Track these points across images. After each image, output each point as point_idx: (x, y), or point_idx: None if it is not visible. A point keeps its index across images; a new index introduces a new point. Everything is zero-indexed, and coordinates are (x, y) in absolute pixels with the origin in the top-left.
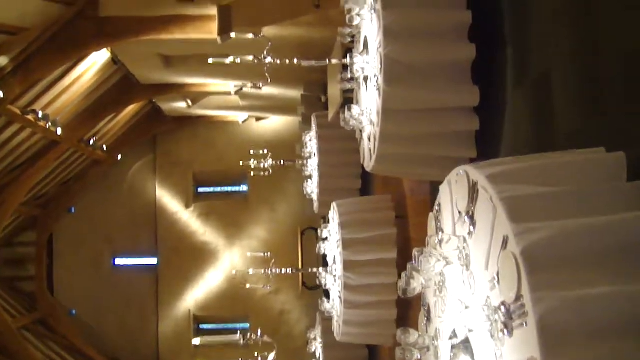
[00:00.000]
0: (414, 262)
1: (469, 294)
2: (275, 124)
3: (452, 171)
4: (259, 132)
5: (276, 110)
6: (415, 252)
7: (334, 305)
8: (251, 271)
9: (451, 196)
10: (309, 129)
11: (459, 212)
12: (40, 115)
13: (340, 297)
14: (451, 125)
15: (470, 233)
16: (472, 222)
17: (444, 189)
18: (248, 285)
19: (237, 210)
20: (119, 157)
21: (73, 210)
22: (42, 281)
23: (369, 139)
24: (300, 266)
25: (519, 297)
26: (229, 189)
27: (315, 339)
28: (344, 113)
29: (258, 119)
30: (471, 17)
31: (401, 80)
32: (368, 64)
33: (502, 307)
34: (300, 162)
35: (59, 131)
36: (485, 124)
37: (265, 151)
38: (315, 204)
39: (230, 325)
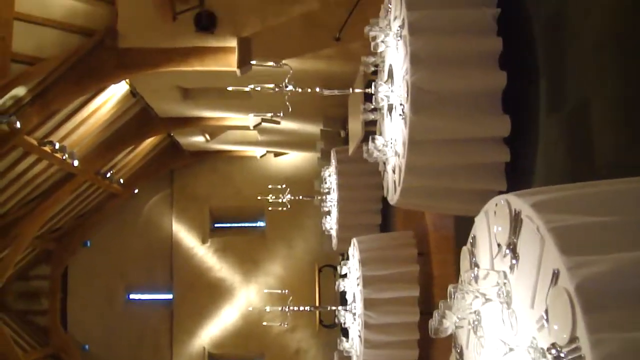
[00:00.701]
0: (448, 299)
1: (511, 335)
2: (293, 159)
3: (489, 201)
4: (277, 167)
5: (295, 146)
6: (450, 288)
7: (353, 345)
8: (268, 308)
9: (489, 228)
10: (328, 164)
11: (498, 245)
12: (57, 147)
13: (359, 336)
14: (480, 156)
15: (512, 267)
16: (515, 255)
17: (480, 220)
18: (265, 323)
19: (254, 246)
20: (136, 190)
21: (88, 244)
22: (56, 315)
23: (394, 171)
24: (317, 302)
25: (573, 338)
26: (246, 224)
27: None
28: (366, 145)
29: (276, 154)
30: (502, 44)
31: (429, 109)
32: (393, 93)
33: (553, 350)
34: (319, 197)
35: (76, 163)
36: (516, 156)
37: (284, 186)
38: (334, 241)
39: None
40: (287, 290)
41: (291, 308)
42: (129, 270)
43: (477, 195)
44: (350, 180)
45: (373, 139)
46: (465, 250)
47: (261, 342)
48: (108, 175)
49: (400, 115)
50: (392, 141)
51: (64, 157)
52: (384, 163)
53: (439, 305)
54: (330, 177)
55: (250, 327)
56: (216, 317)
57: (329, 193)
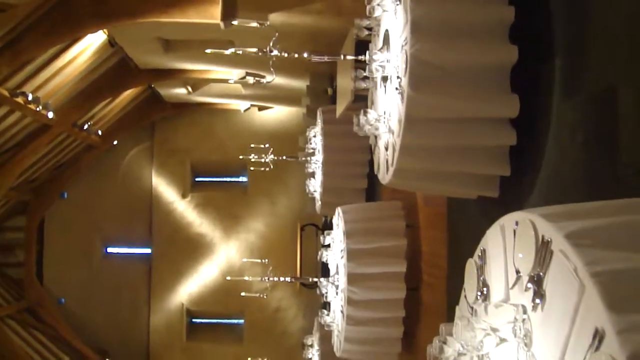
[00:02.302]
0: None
1: None
2: (278, 113)
3: (507, 216)
4: (261, 121)
5: (280, 100)
6: (457, 319)
7: (334, 319)
8: (247, 278)
9: (504, 247)
10: (314, 122)
11: (518, 272)
12: (30, 98)
13: (342, 312)
14: (484, 138)
15: (535, 306)
16: (540, 292)
17: (493, 235)
18: (243, 294)
19: (236, 202)
20: (115, 142)
21: (65, 196)
22: (31, 268)
23: (386, 148)
24: (298, 262)
25: None
26: (228, 179)
27: (312, 345)
28: (357, 117)
29: (260, 108)
30: (514, 13)
31: (429, 85)
32: (389, 63)
33: None
34: (303, 158)
35: (51, 115)
36: (523, 140)
37: (267, 145)
38: (318, 204)
39: (224, 321)
40: (267, 260)
41: (271, 279)
42: (107, 223)
43: (478, 179)
44: (336, 142)
45: (365, 113)
46: (471, 264)
47: (240, 300)
48: (86, 127)
49: (396, 89)
50: (385, 116)
51: (38, 109)
52: (376, 137)
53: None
54: (316, 137)
55: (230, 284)
56: (195, 274)
57: (313, 154)
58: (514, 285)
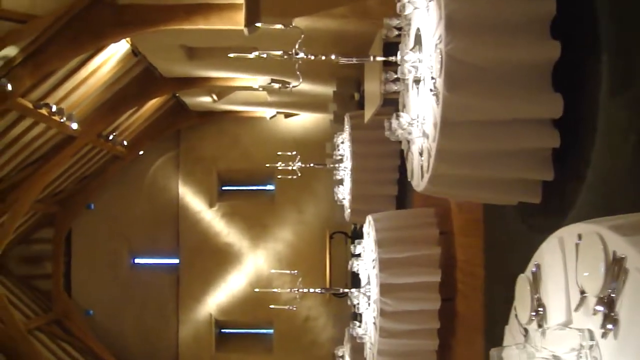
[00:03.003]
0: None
1: None
2: (304, 120)
3: (566, 227)
4: (288, 129)
5: (306, 107)
6: (508, 342)
7: (366, 331)
8: (277, 290)
9: (564, 262)
10: (341, 128)
11: (583, 293)
12: (54, 109)
13: (374, 324)
14: (525, 141)
15: (606, 332)
16: (612, 316)
17: (550, 248)
18: (272, 306)
19: (263, 211)
20: (141, 152)
21: (92, 207)
22: (59, 280)
23: (420, 154)
24: (328, 271)
25: None
26: (255, 188)
27: (343, 357)
28: (389, 121)
29: (287, 115)
30: (555, 6)
31: (466, 85)
32: (421, 63)
33: None
34: (331, 165)
35: (75, 126)
36: (567, 142)
37: (294, 153)
38: (347, 212)
39: (253, 331)
40: (296, 271)
41: (300, 290)
42: (134, 234)
43: (518, 185)
44: (365, 148)
45: (397, 116)
46: (523, 280)
47: (269, 310)
48: (111, 137)
49: (431, 90)
50: (419, 119)
51: (62, 120)
52: (408, 142)
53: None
54: (344, 143)
55: (258, 294)
56: (223, 283)
57: (341, 161)
58: (578, 307)
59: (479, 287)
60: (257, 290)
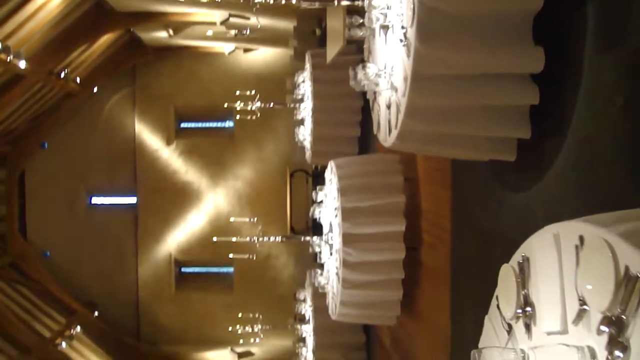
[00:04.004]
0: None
1: None
2: (264, 55)
3: (564, 224)
4: (247, 64)
5: (265, 42)
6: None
7: (329, 280)
8: (234, 239)
9: (560, 264)
10: (302, 65)
11: (581, 301)
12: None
13: (337, 274)
14: (502, 97)
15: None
16: (621, 341)
17: (542, 243)
18: (231, 255)
19: (222, 148)
20: (95, 89)
21: (46, 146)
22: (13, 222)
23: (388, 107)
24: (289, 210)
25: None
26: (213, 124)
27: (304, 300)
28: (354, 70)
29: (246, 50)
30: None
31: (440, 36)
32: (390, 10)
33: None
34: (292, 104)
35: (23, 64)
36: (547, 99)
37: (253, 92)
38: (308, 153)
39: (214, 269)
40: (255, 219)
41: (260, 239)
42: (90, 173)
43: (493, 142)
44: (327, 88)
45: (364, 66)
46: (508, 271)
47: (230, 248)
48: (63, 75)
49: (401, 41)
50: (387, 70)
51: (9, 59)
52: (374, 93)
53: None
54: (305, 83)
55: (218, 232)
56: (183, 223)
57: (302, 100)
58: (577, 319)
59: (446, 239)
60: (215, 239)
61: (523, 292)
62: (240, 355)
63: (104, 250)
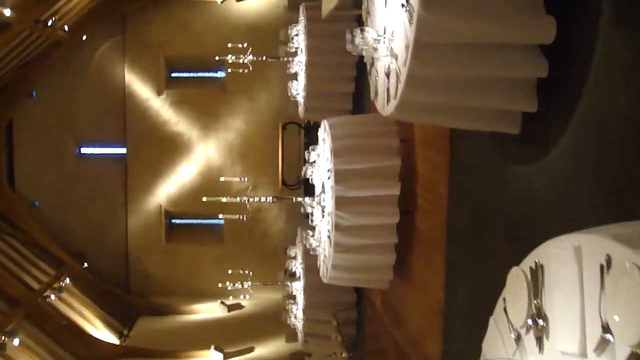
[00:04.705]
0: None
1: None
2: (257, 4)
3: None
4: (240, 13)
5: None
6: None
7: (320, 242)
8: (224, 199)
9: (580, 281)
10: (296, 17)
11: (605, 330)
12: None
13: (329, 237)
14: (509, 69)
15: None
16: None
17: (560, 255)
18: (221, 216)
19: (213, 99)
20: (84, 37)
21: (34, 95)
22: (1, 171)
23: (387, 74)
24: (280, 163)
25: None
26: (205, 74)
27: (295, 257)
28: (351, 33)
29: None
30: None
31: (445, 3)
32: None
33: None
34: (285, 58)
35: (8, 12)
36: (556, 72)
37: (245, 45)
38: (301, 107)
39: (204, 221)
40: (246, 178)
41: (250, 200)
42: (79, 122)
43: (497, 115)
44: (321, 42)
45: (362, 30)
46: (519, 275)
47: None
48: (50, 22)
49: (403, 6)
50: (387, 36)
51: None
52: (372, 58)
53: None
54: (298, 36)
55: (209, 184)
56: (173, 174)
57: (295, 54)
58: (599, 348)
59: (442, 206)
60: (205, 199)
61: (535, 302)
62: (230, 307)
63: (94, 201)
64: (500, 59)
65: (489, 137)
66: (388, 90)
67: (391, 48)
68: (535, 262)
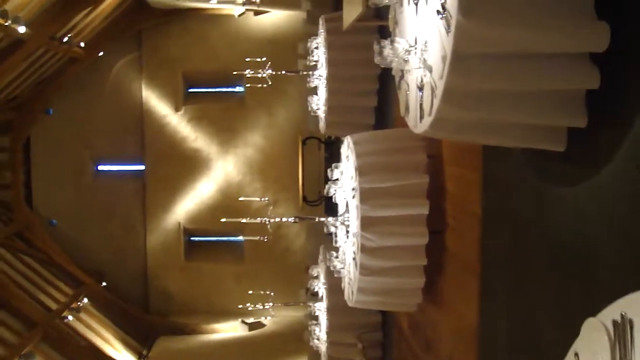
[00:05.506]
0: None
1: None
2: (275, 18)
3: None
4: (258, 27)
5: (276, 4)
6: None
7: (345, 264)
8: (244, 220)
9: None
10: (315, 30)
11: None
12: None
13: (354, 259)
14: (556, 80)
15: None
16: None
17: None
18: (241, 238)
19: (232, 114)
20: (100, 53)
21: (51, 112)
22: (19, 190)
23: (420, 89)
24: (300, 178)
25: None
26: (223, 89)
27: (317, 277)
28: (379, 45)
29: (256, 12)
30: None
31: (486, 9)
32: None
33: None
34: (305, 72)
35: (23, 29)
36: (608, 82)
37: (264, 59)
38: (322, 123)
39: (223, 238)
40: (267, 198)
41: (271, 220)
42: (97, 139)
43: (540, 131)
44: (342, 55)
45: (392, 41)
46: (597, 327)
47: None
48: (65, 39)
49: (438, 12)
50: (419, 46)
51: (8, 23)
52: (402, 71)
53: None
54: (318, 49)
55: (228, 201)
56: (192, 191)
57: (315, 67)
58: None
59: (474, 226)
60: (223, 220)
61: None
62: (251, 326)
63: (112, 218)
64: (548, 69)
65: (525, 154)
66: (421, 105)
67: (424, 59)
68: (622, 314)
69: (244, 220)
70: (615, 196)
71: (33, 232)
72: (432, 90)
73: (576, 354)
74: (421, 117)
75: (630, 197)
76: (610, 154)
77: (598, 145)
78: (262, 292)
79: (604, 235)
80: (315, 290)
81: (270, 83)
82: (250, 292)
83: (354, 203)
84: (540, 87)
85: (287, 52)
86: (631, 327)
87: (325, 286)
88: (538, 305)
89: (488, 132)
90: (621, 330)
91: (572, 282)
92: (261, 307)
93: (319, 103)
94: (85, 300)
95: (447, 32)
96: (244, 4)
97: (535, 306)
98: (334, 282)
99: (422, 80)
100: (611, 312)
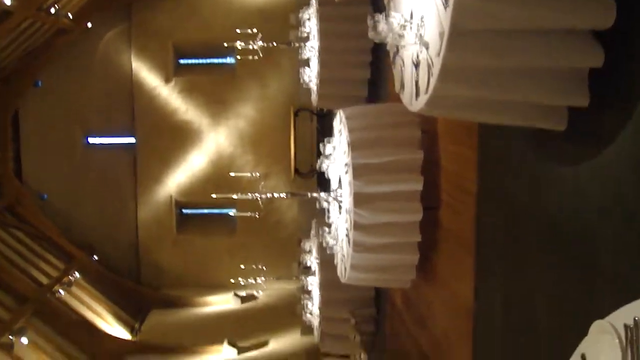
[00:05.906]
0: None
1: None
2: None
3: None
4: None
5: None
6: None
7: (337, 241)
8: (235, 196)
9: None
10: (307, 2)
11: None
12: None
13: (347, 236)
14: (558, 57)
15: None
16: None
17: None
18: (232, 213)
19: (223, 86)
20: (89, 25)
21: (40, 84)
22: (8, 164)
23: (415, 65)
24: (292, 150)
25: None
26: (214, 60)
27: (309, 251)
28: (374, 19)
29: None
30: None
31: None
32: None
33: None
34: (297, 43)
35: (9, 1)
36: (611, 60)
37: (255, 30)
38: (314, 95)
39: (215, 211)
40: (257, 173)
41: (262, 196)
42: (86, 112)
43: (540, 110)
44: (335, 26)
45: (387, 15)
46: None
47: (232, 189)
48: (53, 10)
49: None
50: (416, 21)
51: None
52: (397, 47)
53: None
54: (310, 20)
55: (220, 173)
56: (183, 163)
57: (307, 39)
58: None
59: (470, 203)
60: (214, 196)
61: None
62: (243, 299)
63: (103, 192)
64: (550, 46)
65: (522, 132)
66: (417, 82)
67: (420, 35)
68: (635, 319)
69: (235, 196)
70: (618, 177)
71: (23, 206)
72: (429, 68)
73: (583, 356)
74: (417, 95)
75: (630, 176)
76: (613, 134)
77: (599, 125)
78: (254, 267)
79: (606, 217)
80: (308, 264)
81: (261, 55)
82: (242, 266)
83: (347, 179)
84: (542, 65)
85: (280, 22)
86: None
87: (317, 261)
88: (536, 288)
89: (486, 110)
90: (635, 333)
91: (572, 266)
92: (253, 282)
93: (311, 75)
94: (77, 274)
95: (445, 7)
96: None
97: (533, 289)
98: (327, 257)
99: (417, 57)
100: (622, 315)
